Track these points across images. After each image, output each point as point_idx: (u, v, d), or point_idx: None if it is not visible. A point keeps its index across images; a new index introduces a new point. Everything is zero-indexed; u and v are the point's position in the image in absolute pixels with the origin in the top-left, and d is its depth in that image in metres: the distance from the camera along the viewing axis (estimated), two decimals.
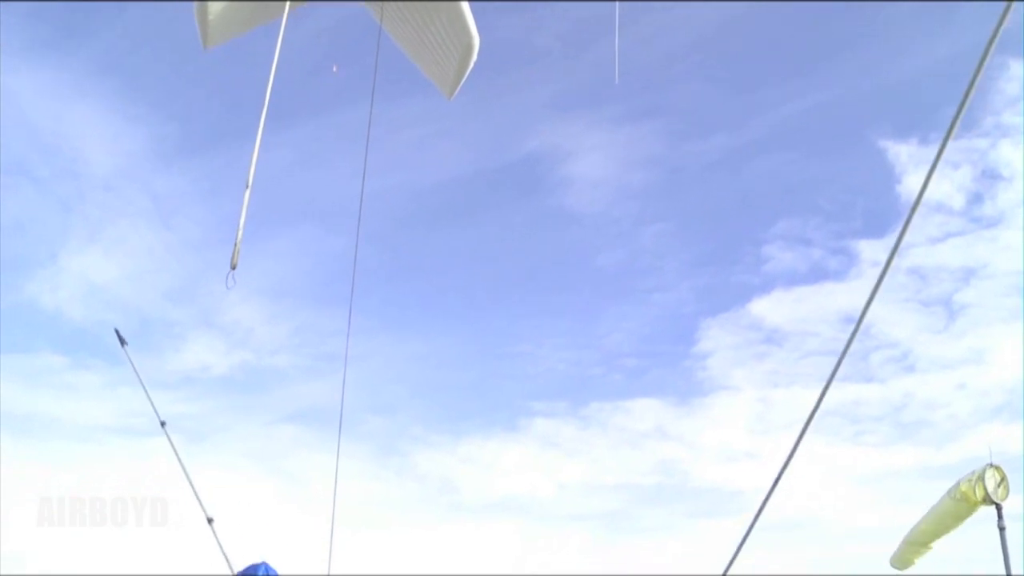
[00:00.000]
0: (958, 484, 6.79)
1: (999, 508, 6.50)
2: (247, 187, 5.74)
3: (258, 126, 5.74)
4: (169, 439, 4.95)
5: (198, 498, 4.85)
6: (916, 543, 7.91)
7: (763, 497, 3.98)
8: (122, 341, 5.40)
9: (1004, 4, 2.83)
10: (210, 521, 4.82)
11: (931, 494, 7.32)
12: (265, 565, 4.68)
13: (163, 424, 5.05)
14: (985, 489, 6.43)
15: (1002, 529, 6.47)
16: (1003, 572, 6.35)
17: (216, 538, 4.77)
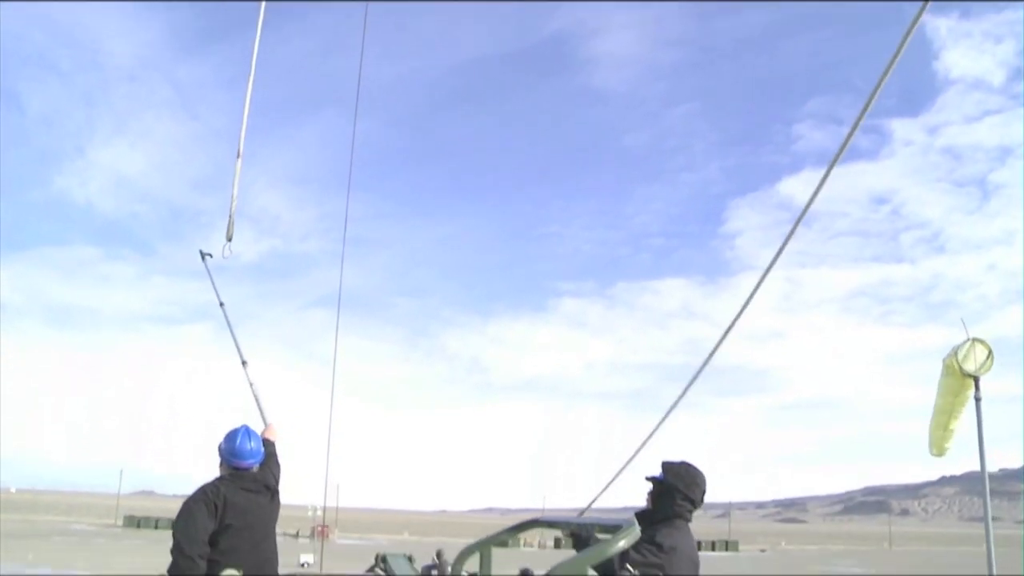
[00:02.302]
0: (944, 360, 7.07)
1: (976, 381, 6.76)
2: (238, 156, 5.93)
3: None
4: (225, 314, 6.11)
5: (236, 343, 5.92)
6: (937, 426, 8.16)
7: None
8: (203, 256, 6.35)
9: None
10: (244, 364, 5.86)
11: None
12: (246, 427, 4.81)
13: (222, 304, 6.19)
14: (959, 363, 6.71)
15: (978, 400, 6.74)
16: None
17: (248, 379, 5.79)
